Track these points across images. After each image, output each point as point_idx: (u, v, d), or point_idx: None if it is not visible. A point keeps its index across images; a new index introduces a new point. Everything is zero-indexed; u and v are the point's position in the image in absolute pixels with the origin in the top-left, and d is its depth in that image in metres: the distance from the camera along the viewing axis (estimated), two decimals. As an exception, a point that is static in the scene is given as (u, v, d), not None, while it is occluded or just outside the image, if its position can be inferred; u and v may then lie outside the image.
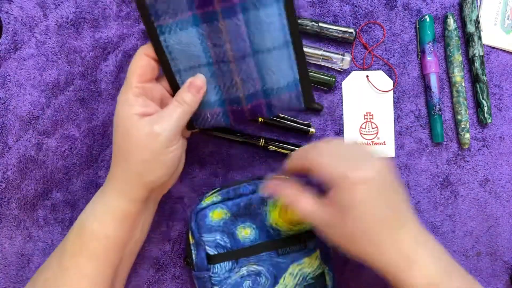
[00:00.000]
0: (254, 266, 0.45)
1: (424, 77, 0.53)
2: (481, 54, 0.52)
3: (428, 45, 0.52)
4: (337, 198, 0.36)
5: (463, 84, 0.52)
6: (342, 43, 0.52)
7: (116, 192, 0.41)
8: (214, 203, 0.45)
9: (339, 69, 0.52)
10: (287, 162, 0.42)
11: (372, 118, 0.53)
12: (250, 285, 0.45)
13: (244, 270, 0.45)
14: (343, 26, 0.51)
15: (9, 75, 0.50)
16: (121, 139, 0.40)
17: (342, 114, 0.53)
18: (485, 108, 0.52)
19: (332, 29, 0.51)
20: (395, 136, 0.53)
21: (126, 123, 0.39)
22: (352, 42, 0.52)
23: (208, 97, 0.42)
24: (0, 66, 0.50)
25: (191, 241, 0.46)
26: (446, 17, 0.52)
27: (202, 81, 0.41)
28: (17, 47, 0.50)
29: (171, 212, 0.52)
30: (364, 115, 0.53)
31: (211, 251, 0.45)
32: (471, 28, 0.52)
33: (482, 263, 0.53)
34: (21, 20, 0.50)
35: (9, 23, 0.50)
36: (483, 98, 0.52)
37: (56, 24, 0.50)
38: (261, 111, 0.42)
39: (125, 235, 0.42)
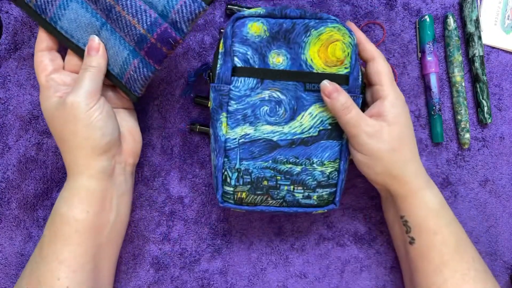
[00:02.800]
0: (278, 93, 0.43)
1: (424, 77, 0.53)
2: (481, 54, 0.52)
3: (428, 45, 0.52)
4: (388, 109, 0.43)
5: (463, 84, 0.52)
6: (342, 43, 0.52)
7: (73, 174, 0.43)
8: (257, 15, 0.42)
9: (339, 69, 0.52)
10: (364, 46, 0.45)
11: (372, 118, 0.53)
12: (268, 112, 0.43)
13: (266, 94, 0.43)
14: (343, 26, 0.51)
15: (9, 75, 0.51)
16: (53, 128, 0.42)
17: (342, 114, 0.53)
18: (485, 108, 0.52)
19: (332, 29, 0.51)
20: (395, 136, 0.53)
21: (50, 113, 0.42)
22: (352, 42, 0.52)
23: (121, 55, 0.43)
24: (0, 66, 0.50)
25: (221, 49, 0.43)
26: (446, 17, 0.52)
27: (95, 40, 0.43)
28: (17, 47, 0.50)
29: (171, 212, 0.52)
30: (364, 115, 0.53)
31: (239, 64, 0.42)
32: (471, 28, 0.52)
33: (482, 263, 0.53)
34: (21, 20, 0.50)
35: (9, 23, 0.50)
36: (483, 98, 0.52)
37: (56, 24, 0.51)
38: (170, 35, 0.41)
39: (95, 217, 0.42)
